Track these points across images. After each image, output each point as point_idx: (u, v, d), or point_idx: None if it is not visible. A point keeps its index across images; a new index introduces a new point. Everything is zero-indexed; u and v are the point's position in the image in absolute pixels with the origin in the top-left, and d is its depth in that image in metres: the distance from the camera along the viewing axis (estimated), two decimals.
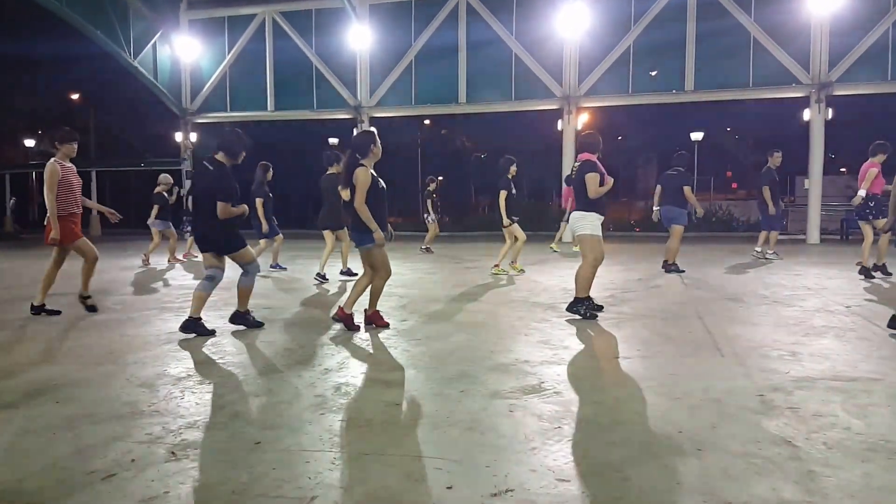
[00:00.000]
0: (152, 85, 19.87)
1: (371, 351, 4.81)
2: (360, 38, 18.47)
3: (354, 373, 4.19)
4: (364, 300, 5.70)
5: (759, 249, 11.39)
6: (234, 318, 5.57)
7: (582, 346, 4.93)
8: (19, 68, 31.06)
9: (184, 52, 20.20)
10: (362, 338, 5.25)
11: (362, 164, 5.35)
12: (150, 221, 11.64)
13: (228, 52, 20.41)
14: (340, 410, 3.42)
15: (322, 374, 4.17)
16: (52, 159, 6.06)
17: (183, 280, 9.33)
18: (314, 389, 3.81)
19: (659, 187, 9.93)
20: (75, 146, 6.22)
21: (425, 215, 14.13)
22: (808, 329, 5.39)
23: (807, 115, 16.70)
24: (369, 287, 5.59)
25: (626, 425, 3.18)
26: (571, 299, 6.12)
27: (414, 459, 2.78)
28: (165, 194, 11.70)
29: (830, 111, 16.45)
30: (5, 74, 31.65)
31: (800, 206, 19.69)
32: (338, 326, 5.67)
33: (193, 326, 5.27)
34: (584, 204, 6.06)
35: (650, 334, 5.30)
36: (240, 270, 5.53)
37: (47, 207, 5.93)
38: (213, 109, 20.90)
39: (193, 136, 21.16)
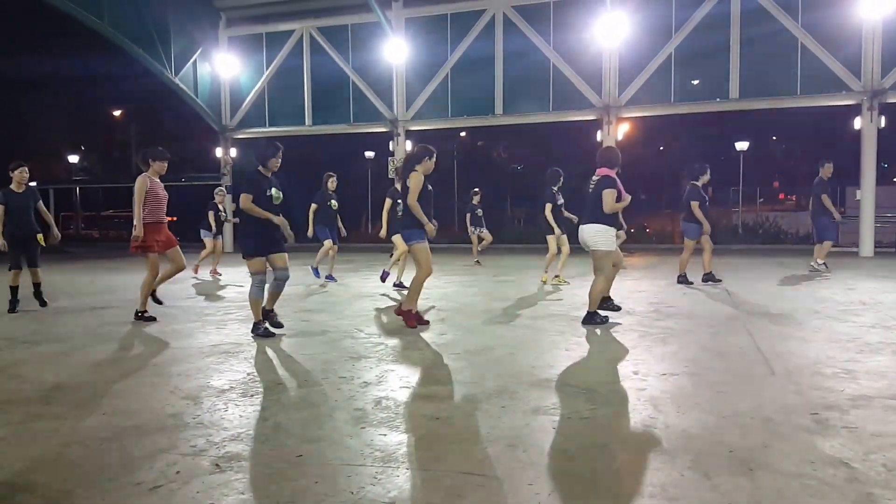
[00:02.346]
0: (193, 101, 20.42)
1: (410, 364, 4.80)
2: (395, 51, 18.63)
3: (394, 386, 4.18)
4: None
5: (818, 262, 11.10)
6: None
7: (627, 363, 4.82)
8: (64, 85, 32.31)
9: (223, 68, 20.72)
10: (401, 351, 5.25)
11: (416, 171, 6.14)
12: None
13: (267, 69, 20.84)
14: (381, 424, 3.41)
15: (361, 387, 4.17)
16: (144, 174, 6.68)
17: (225, 292, 9.50)
18: (354, 402, 3.82)
19: None
20: (165, 164, 6.81)
21: (476, 228, 14.17)
22: (863, 346, 5.18)
23: (858, 123, 16.17)
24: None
25: (674, 444, 3.08)
26: (585, 314, 6.37)
27: (456, 475, 2.74)
28: (220, 206, 12.23)
29: (883, 119, 15.89)
30: (50, 92, 32.92)
31: (850, 217, 19.02)
32: (377, 339, 5.69)
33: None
34: (599, 217, 6.18)
35: (697, 350, 5.17)
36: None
37: (134, 216, 6.60)
38: (251, 125, 21.33)
39: (233, 152, 21.61)
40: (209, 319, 6.95)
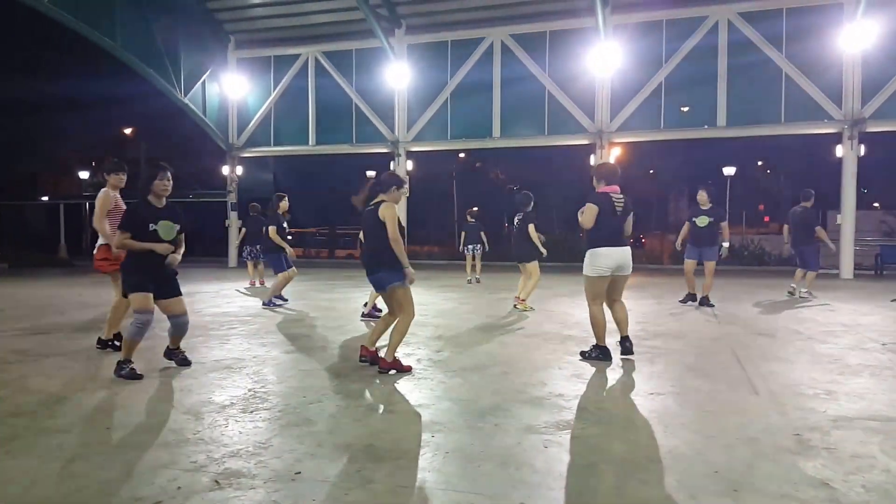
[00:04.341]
0: (201, 121, 20.75)
1: (408, 382, 4.88)
2: (398, 76, 19.06)
3: (391, 403, 4.26)
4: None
5: (794, 286, 11.07)
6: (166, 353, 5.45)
7: (615, 381, 4.94)
8: (77, 104, 32.75)
9: (231, 89, 21.14)
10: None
11: (385, 201, 5.19)
12: None
13: (273, 90, 21.27)
14: (377, 441, 3.48)
15: (360, 404, 4.25)
16: (104, 189, 6.12)
17: (228, 307, 9.49)
18: (352, 420, 3.89)
19: None
20: (123, 176, 6.19)
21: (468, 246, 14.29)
22: (844, 367, 5.32)
23: (839, 151, 16.53)
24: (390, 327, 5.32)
25: (661, 464, 3.17)
26: (625, 340, 5.71)
27: (448, 494, 2.81)
28: None
29: (863, 147, 16.27)
30: (63, 110, 33.27)
31: (832, 240, 19.33)
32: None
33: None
34: (626, 240, 5.65)
35: (684, 370, 5.28)
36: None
37: (100, 232, 5.97)
38: (257, 144, 21.70)
39: (239, 170, 21.97)
40: (212, 334, 7.00)
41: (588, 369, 5.30)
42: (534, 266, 9.14)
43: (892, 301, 10.11)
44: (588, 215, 5.57)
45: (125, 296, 5.10)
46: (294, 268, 9.92)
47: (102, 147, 36.36)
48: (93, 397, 4.42)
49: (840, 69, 16.24)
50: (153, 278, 4.96)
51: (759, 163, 42.76)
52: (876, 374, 5.09)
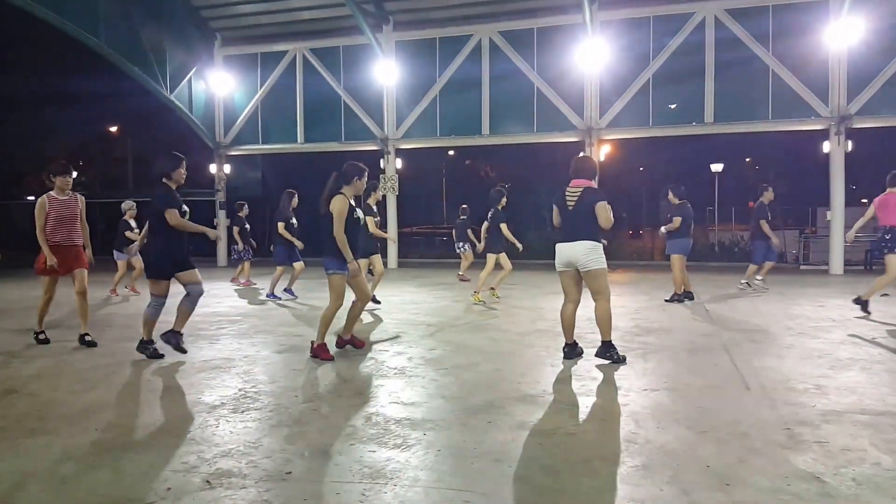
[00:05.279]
0: (188, 118, 20.64)
1: (400, 380, 4.88)
2: (386, 73, 19.02)
3: (383, 402, 4.25)
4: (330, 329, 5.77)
5: (760, 278, 11.48)
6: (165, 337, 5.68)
7: (608, 378, 4.95)
8: (62, 103, 32.56)
9: (218, 86, 21.01)
10: (391, 367, 5.32)
11: (342, 193, 5.55)
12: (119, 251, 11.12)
13: (260, 87, 21.15)
14: (370, 441, 3.47)
15: (351, 403, 4.24)
16: (45, 194, 6.11)
17: (218, 307, 9.43)
18: (344, 419, 3.88)
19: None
20: (69, 179, 6.19)
21: (461, 244, 14.27)
22: (834, 361, 5.36)
23: (826, 147, 16.67)
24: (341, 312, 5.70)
25: (654, 458, 3.19)
26: (600, 344, 5.47)
27: (443, 491, 2.81)
28: (131, 221, 11.24)
29: (850, 143, 16.39)
30: (48, 109, 33.07)
31: (821, 236, 19.52)
32: (367, 355, 5.74)
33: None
34: (593, 234, 5.44)
35: (676, 366, 5.31)
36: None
37: (39, 241, 6.00)
38: (245, 142, 21.59)
39: (227, 168, 21.84)
40: (201, 334, 6.96)
41: (581, 366, 5.32)
42: (489, 258, 9.70)
43: (882, 296, 10.20)
44: (553, 215, 5.71)
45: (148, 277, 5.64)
46: (301, 262, 10.43)
47: (88, 145, 36.10)
48: (81, 398, 4.38)
49: (826, 66, 16.36)
50: (175, 261, 5.50)
51: (748, 159, 43.03)
52: (866, 368, 5.14)
